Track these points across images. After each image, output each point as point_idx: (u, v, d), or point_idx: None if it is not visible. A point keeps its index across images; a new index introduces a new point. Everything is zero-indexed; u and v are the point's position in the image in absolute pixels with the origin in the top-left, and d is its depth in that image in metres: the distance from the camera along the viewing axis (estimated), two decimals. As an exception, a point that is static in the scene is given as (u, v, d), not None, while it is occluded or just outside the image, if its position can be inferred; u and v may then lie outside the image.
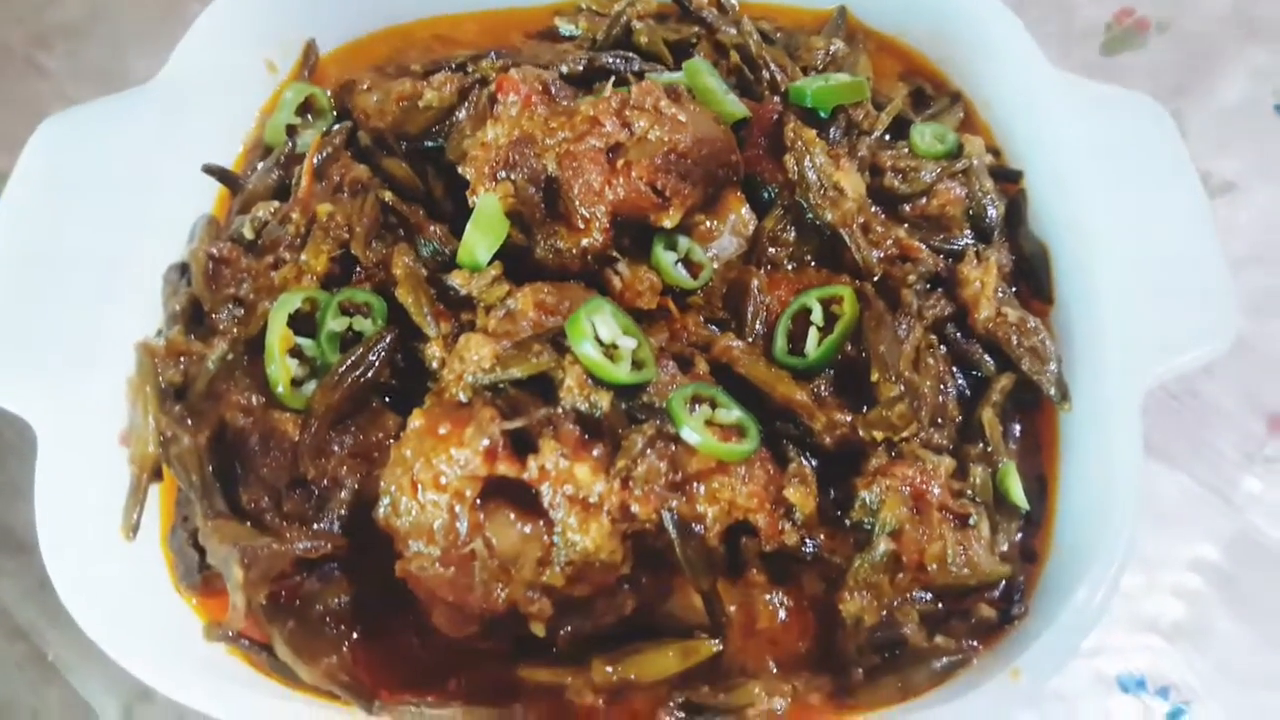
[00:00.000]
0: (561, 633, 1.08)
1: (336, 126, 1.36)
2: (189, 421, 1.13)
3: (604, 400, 1.04)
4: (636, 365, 1.07)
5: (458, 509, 1.01)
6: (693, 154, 1.18)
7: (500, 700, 1.07)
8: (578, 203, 1.17)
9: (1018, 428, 1.21)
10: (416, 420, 1.04)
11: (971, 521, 1.09)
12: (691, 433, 1.03)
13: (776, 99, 1.32)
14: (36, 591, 1.31)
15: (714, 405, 1.07)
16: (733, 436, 1.06)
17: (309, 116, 1.43)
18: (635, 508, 1.02)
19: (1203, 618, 1.32)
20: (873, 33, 1.53)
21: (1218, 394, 1.48)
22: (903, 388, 1.11)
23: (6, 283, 1.16)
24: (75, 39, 1.85)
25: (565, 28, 1.55)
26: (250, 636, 1.07)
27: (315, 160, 1.29)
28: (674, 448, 1.05)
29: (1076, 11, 1.89)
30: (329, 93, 1.45)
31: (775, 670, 1.09)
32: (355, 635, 1.10)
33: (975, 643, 1.06)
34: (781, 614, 1.10)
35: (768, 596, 1.10)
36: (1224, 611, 1.32)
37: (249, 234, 1.26)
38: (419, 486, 1.02)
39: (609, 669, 1.04)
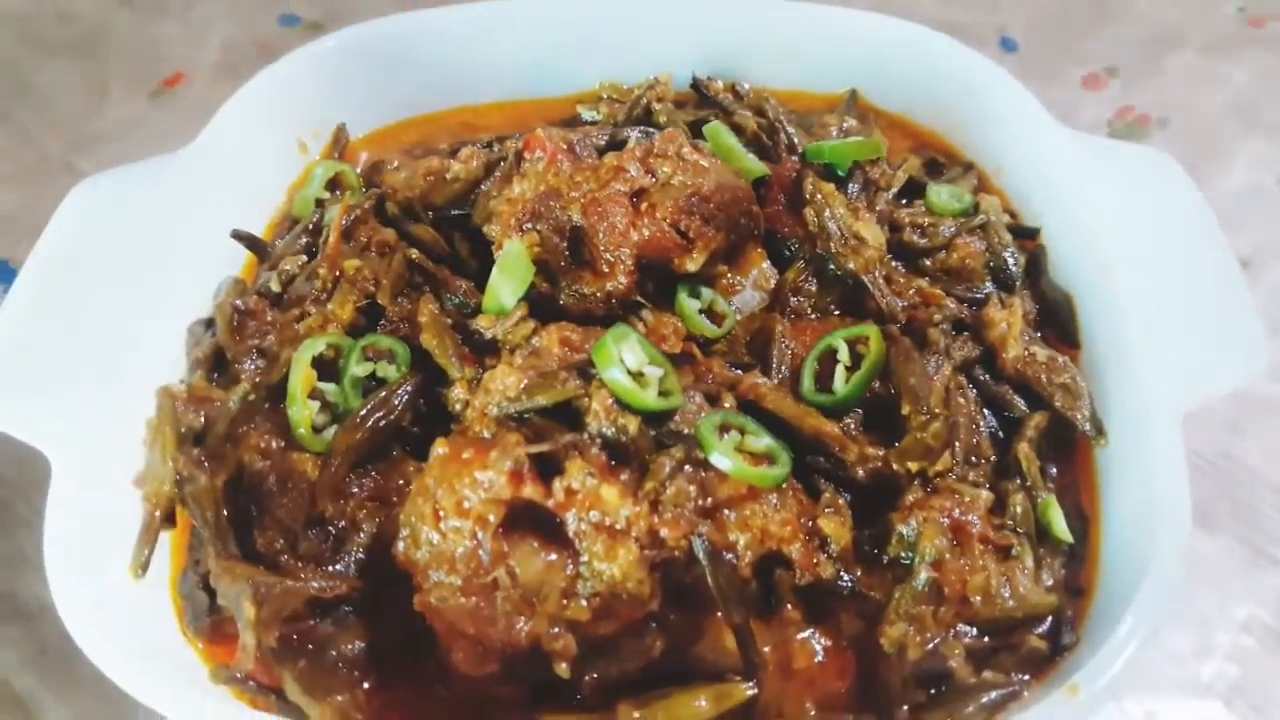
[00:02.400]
0: (587, 678, 1.01)
1: (365, 193, 1.39)
2: (206, 464, 1.11)
3: (632, 425, 1.01)
4: (663, 394, 1.05)
5: (480, 535, 0.97)
6: (715, 198, 1.19)
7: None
8: (602, 247, 1.17)
9: (1054, 469, 1.17)
10: (440, 448, 1.01)
11: (1014, 553, 1.04)
12: (722, 457, 1.00)
13: (794, 158, 1.35)
14: (36, 659, 1.26)
15: (743, 433, 1.05)
16: (763, 463, 1.03)
17: (337, 192, 1.46)
18: (664, 532, 0.98)
19: (1260, 680, 1.24)
20: (883, 113, 1.57)
21: (1251, 456, 1.44)
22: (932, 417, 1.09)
23: (34, 326, 1.17)
24: (113, 145, 1.92)
25: (587, 114, 1.58)
26: (258, 679, 1.01)
27: (344, 221, 1.31)
28: (703, 474, 1.02)
29: (1079, 113, 1.95)
30: (358, 170, 1.49)
31: (814, 713, 1.02)
32: (368, 684, 1.04)
33: (1026, 676, 0.99)
34: (819, 653, 1.04)
35: (804, 635, 1.05)
36: (1282, 671, 1.25)
37: (275, 287, 1.27)
38: (441, 514, 0.98)
39: (636, 715, 0.97)
